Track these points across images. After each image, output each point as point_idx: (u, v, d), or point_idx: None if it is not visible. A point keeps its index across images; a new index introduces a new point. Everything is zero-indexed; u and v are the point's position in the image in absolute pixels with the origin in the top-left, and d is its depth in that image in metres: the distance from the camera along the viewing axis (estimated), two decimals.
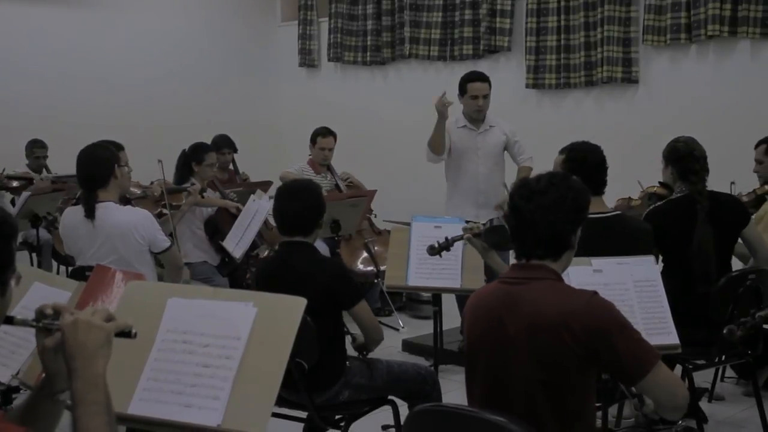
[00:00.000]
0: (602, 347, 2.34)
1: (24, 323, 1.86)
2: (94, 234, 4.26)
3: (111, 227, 4.23)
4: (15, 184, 6.70)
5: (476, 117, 5.94)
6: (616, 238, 3.75)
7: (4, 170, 6.74)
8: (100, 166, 4.27)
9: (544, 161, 5.16)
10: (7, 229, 1.77)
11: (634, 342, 2.37)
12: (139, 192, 5.24)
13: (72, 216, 4.39)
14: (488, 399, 2.50)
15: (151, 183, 5.74)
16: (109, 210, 4.24)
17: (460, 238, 3.96)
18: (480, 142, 5.92)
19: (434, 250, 4.04)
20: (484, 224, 4.53)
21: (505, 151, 6.10)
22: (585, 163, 3.89)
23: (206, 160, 6.18)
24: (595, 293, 2.44)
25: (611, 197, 4.10)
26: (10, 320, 1.83)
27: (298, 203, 3.63)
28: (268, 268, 3.83)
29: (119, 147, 4.77)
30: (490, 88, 5.96)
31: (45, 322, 1.83)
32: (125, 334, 1.87)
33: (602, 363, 2.40)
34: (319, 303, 3.17)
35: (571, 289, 2.49)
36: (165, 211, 5.24)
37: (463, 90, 5.93)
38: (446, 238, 4.02)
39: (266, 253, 6.66)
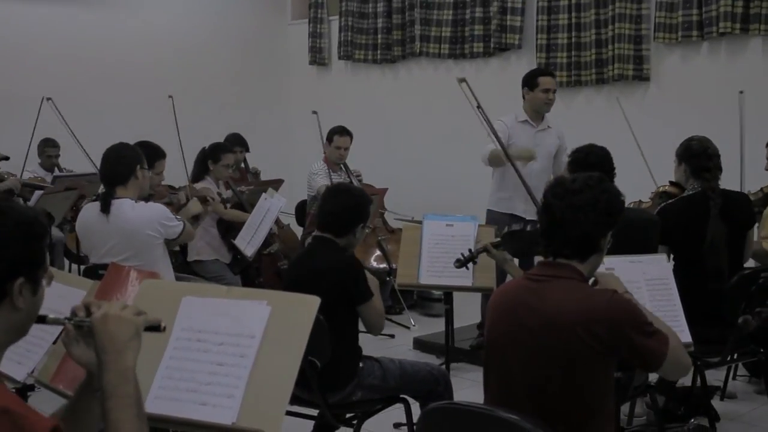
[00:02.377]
0: (622, 344, 2.40)
1: (56, 322, 1.88)
2: (108, 230, 4.31)
3: (125, 223, 4.28)
4: (30, 195, 6.70)
5: (544, 111, 5.93)
6: (623, 230, 3.75)
7: (21, 178, 6.76)
8: (122, 164, 4.36)
9: None
10: (38, 228, 1.78)
11: (649, 337, 2.43)
12: (165, 199, 5.26)
13: (88, 212, 4.44)
14: (506, 395, 2.51)
15: (179, 188, 5.77)
16: (124, 206, 4.30)
17: (483, 250, 4.06)
18: (538, 139, 5.90)
19: (461, 263, 4.14)
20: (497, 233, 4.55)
21: None
22: (586, 163, 3.94)
23: (222, 160, 6.28)
24: (615, 292, 2.48)
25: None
26: (42, 319, 1.85)
27: (336, 203, 3.71)
28: (294, 261, 3.95)
29: (161, 154, 4.85)
30: None
31: (76, 319, 1.86)
32: (155, 328, 1.90)
33: (621, 357, 2.46)
34: (333, 298, 3.20)
35: (592, 290, 2.52)
36: None
37: (532, 84, 5.90)
38: (470, 251, 4.15)
39: (276, 251, 6.69)
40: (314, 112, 6.52)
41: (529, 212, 5.78)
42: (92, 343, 1.83)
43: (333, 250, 3.67)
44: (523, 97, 5.95)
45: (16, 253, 1.72)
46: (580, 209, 2.49)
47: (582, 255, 2.54)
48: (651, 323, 2.46)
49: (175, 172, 6.10)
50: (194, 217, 5.08)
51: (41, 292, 1.79)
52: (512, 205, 5.84)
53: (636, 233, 3.83)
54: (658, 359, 2.44)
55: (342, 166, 7.14)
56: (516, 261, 4.41)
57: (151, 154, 4.67)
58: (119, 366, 1.78)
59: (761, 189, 5.36)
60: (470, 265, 4.24)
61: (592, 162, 3.97)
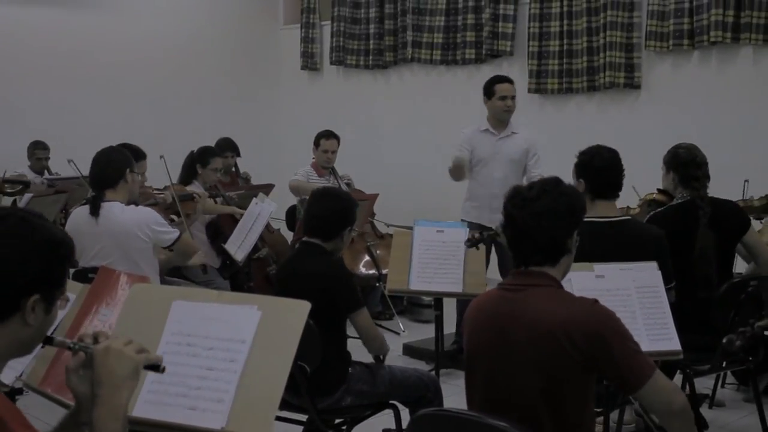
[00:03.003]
0: (600, 355, 2.35)
1: (62, 345, 1.87)
2: (97, 232, 4.30)
3: (114, 225, 4.28)
4: (10, 189, 6.64)
5: (504, 118, 5.91)
6: (623, 242, 3.74)
7: (5, 173, 6.71)
8: (112, 167, 4.37)
9: (545, 166, 5.17)
10: (63, 250, 1.78)
11: (632, 353, 2.38)
12: (150, 200, 5.25)
13: (78, 215, 4.44)
14: (488, 405, 2.50)
15: (165, 188, 5.77)
16: (113, 209, 4.30)
17: (495, 234, 4.09)
18: (499, 147, 5.89)
19: (472, 242, 4.15)
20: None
21: None
22: (590, 166, 3.89)
23: (211, 164, 6.28)
24: (596, 301, 2.44)
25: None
26: (50, 341, 1.84)
27: (323, 207, 3.71)
28: (283, 265, 3.94)
29: (141, 155, 4.85)
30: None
31: (81, 345, 1.84)
32: (154, 367, 1.88)
33: (600, 370, 2.41)
34: (321, 304, 3.19)
35: (571, 297, 2.50)
36: (174, 217, 5.24)
37: (490, 92, 5.90)
38: (481, 233, 4.18)
39: (265, 255, 6.68)
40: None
41: (495, 221, 5.77)
42: (90, 373, 1.81)
43: (321, 255, 3.66)
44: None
45: (36, 269, 1.71)
46: (541, 216, 2.48)
47: (552, 259, 2.53)
48: (636, 342, 2.41)
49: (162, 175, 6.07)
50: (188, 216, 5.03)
51: (54, 312, 1.78)
52: (479, 214, 5.83)
53: (635, 247, 3.80)
54: (638, 377, 2.35)
55: (330, 170, 7.14)
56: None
57: (132, 155, 4.64)
58: (113, 402, 1.76)
59: (766, 195, 5.31)
60: (459, 269, 4.30)
61: (598, 165, 3.86)
